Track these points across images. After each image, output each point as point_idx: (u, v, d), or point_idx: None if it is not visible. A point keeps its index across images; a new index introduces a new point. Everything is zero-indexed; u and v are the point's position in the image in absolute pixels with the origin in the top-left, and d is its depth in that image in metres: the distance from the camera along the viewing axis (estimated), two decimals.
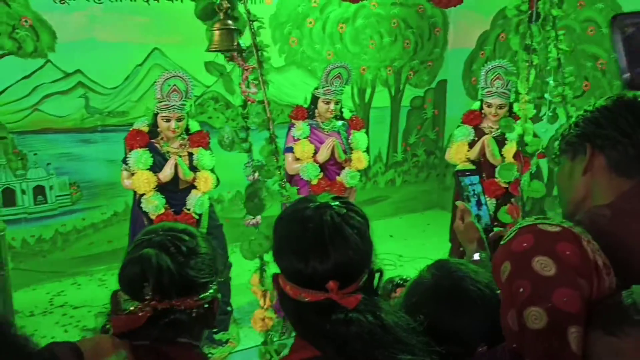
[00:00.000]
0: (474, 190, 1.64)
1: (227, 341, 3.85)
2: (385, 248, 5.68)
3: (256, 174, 2.19)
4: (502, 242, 1.20)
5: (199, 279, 1.23)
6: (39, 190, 4.82)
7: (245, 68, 2.11)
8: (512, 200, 3.26)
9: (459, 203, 1.74)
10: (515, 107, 4.11)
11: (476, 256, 1.63)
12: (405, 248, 5.73)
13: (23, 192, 4.77)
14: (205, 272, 1.26)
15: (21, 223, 4.80)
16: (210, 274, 1.28)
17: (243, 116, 2.17)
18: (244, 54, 2.11)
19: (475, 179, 1.70)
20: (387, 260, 5.44)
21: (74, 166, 4.93)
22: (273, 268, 2.23)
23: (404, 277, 3.11)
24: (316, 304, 1.09)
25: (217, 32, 2.12)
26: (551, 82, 3.10)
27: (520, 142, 3.18)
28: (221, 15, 2.10)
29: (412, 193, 6.87)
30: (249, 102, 2.15)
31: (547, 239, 1.11)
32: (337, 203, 1.17)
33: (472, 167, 4.09)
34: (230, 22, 2.11)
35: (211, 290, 1.27)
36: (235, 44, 2.09)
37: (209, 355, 3.74)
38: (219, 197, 5.52)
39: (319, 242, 1.10)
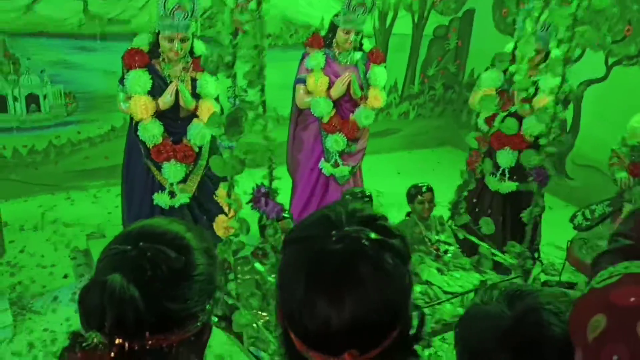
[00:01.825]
0: None
1: None
2: (391, 187, 5.47)
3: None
4: (596, 284, 0.95)
5: (183, 310, 0.97)
6: (32, 99, 4.52)
7: None
8: None
9: None
10: (553, 53, 3.78)
11: None
12: None
13: (15, 99, 4.48)
14: (194, 299, 0.98)
15: (13, 132, 4.54)
16: (203, 300, 1.01)
17: (232, 45, 1.94)
18: None
19: None
20: (394, 200, 5.23)
21: (70, 75, 4.60)
22: (244, 183, 2.33)
23: (365, 192, 3.48)
24: None
25: None
26: (562, 33, 2.75)
27: (509, 80, 3.06)
28: None
29: (424, 128, 6.57)
30: (240, 33, 1.92)
31: None
32: (370, 233, 0.89)
33: None
34: None
35: (200, 319, 1.01)
36: None
37: None
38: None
39: (340, 292, 0.84)
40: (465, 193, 3.51)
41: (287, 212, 3.17)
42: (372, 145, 5.82)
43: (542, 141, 2.98)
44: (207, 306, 1.03)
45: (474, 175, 3.37)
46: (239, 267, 2.54)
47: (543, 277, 4.13)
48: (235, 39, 2.11)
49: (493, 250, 3.33)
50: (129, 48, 3.26)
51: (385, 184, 5.41)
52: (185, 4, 3.08)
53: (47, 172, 4.75)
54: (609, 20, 5.06)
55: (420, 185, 3.45)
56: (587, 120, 5.22)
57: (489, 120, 3.32)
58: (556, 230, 4.28)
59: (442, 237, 3.41)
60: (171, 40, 3.16)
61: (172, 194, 3.40)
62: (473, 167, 3.40)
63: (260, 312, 2.64)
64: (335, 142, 3.80)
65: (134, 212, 3.52)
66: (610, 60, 5.11)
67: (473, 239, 3.47)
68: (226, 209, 2.46)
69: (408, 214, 3.51)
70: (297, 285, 0.87)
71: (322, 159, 3.90)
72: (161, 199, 3.38)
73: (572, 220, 3.82)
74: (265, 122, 2.20)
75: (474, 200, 4.11)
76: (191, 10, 3.10)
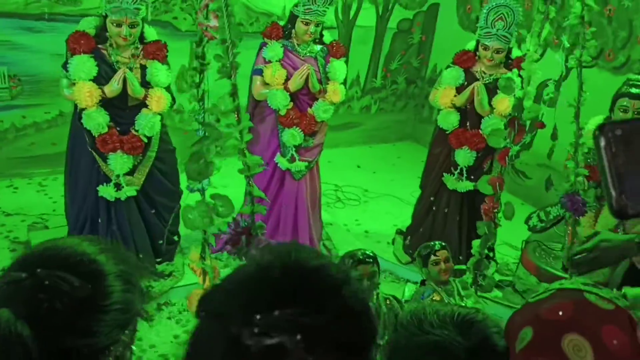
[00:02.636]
0: None
1: (170, 274, 3.57)
2: (351, 180, 5.41)
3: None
4: (530, 299, 0.95)
5: (90, 346, 0.85)
6: None
7: None
8: (498, 169, 2.96)
9: None
10: (515, 52, 3.74)
11: None
12: (372, 182, 5.45)
13: None
14: (105, 333, 0.87)
15: None
16: (117, 331, 0.90)
17: (197, 55, 1.71)
18: None
19: None
20: (352, 195, 5.17)
21: (14, 56, 4.35)
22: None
23: (368, 252, 2.76)
24: None
25: None
26: (565, 42, 2.69)
27: (518, 107, 2.83)
28: None
29: (386, 122, 6.50)
30: (206, 38, 1.69)
31: (592, 316, 0.85)
32: (310, 320, 0.65)
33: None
34: None
35: (113, 353, 0.89)
36: None
37: (149, 288, 3.47)
38: (178, 106, 5.04)
39: None
40: (487, 250, 3.13)
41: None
42: (332, 139, 5.72)
43: (503, 143, 2.89)
44: (123, 337, 0.91)
45: (493, 227, 2.95)
46: None
47: (497, 277, 4.13)
48: (200, 47, 1.77)
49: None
50: (74, 31, 3.08)
51: (344, 178, 5.34)
52: None
53: None
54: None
55: (431, 244, 2.95)
56: (546, 120, 5.23)
57: (502, 158, 2.99)
58: (511, 229, 4.27)
59: (469, 303, 2.88)
60: (119, 24, 2.99)
61: (118, 186, 3.25)
62: (491, 216, 2.93)
63: None
64: (292, 136, 3.69)
65: (78, 204, 3.36)
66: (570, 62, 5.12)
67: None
68: (200, 278, 1.96)
69: (422, 282, 3.02)
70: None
71: (278, 153, 3.79)
72: (106, 192, 3.23)
73: (527, 221, 3.81)
74: (241, 133, 1.84)
75: (431, 199, 4.07)
76: None
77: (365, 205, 5.06)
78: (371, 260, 2.49)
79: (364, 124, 6.39)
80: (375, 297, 2.48)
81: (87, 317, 0.85)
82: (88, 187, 3.30)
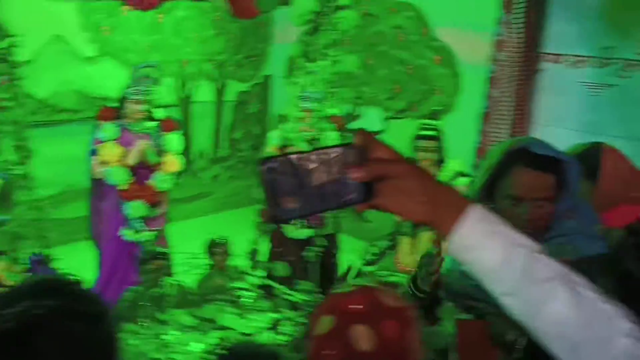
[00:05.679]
0: None
1: None
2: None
3: None
4: (335, 291, 1.11)
5: None
6: None
7: None
8: None
9: None
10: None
11: None
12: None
13: None
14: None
15: None
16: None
17: None
18: None
19: None
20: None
21: None
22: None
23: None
24: None
25: None
26: None
27: None
28: None
29: (238, 188, 6.83)
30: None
31: (378, 311, 1.00)
32: (48, 303, 0.86)
33: None
34: None
35: None
36: None
37: None
38: None
39: None
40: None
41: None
42: (183, 211, 5.90)
43: None
44: None
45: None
46: None
47: None
48: None
49: (286, 290, 3.57)
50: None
51: (197, 248, 5.48)
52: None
53: None
54: (380, 82, 5.81)
55: (214, 239, 3.96)
56: None
57: None
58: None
59: (241, 285, 3.72)
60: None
61: None
62: None
63: None
64: (136, 208, 3.86)
65: None
66: (387, 115, 5.84)
67: (270, 282, 3.74)
68: None
69: (212, 266, 3.92)
70: None
71: (125, 226, 3.92)
72: None
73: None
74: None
75: (280, 249, 4.38)
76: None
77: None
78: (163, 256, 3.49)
79: (215, 192, 6.67)
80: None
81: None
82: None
